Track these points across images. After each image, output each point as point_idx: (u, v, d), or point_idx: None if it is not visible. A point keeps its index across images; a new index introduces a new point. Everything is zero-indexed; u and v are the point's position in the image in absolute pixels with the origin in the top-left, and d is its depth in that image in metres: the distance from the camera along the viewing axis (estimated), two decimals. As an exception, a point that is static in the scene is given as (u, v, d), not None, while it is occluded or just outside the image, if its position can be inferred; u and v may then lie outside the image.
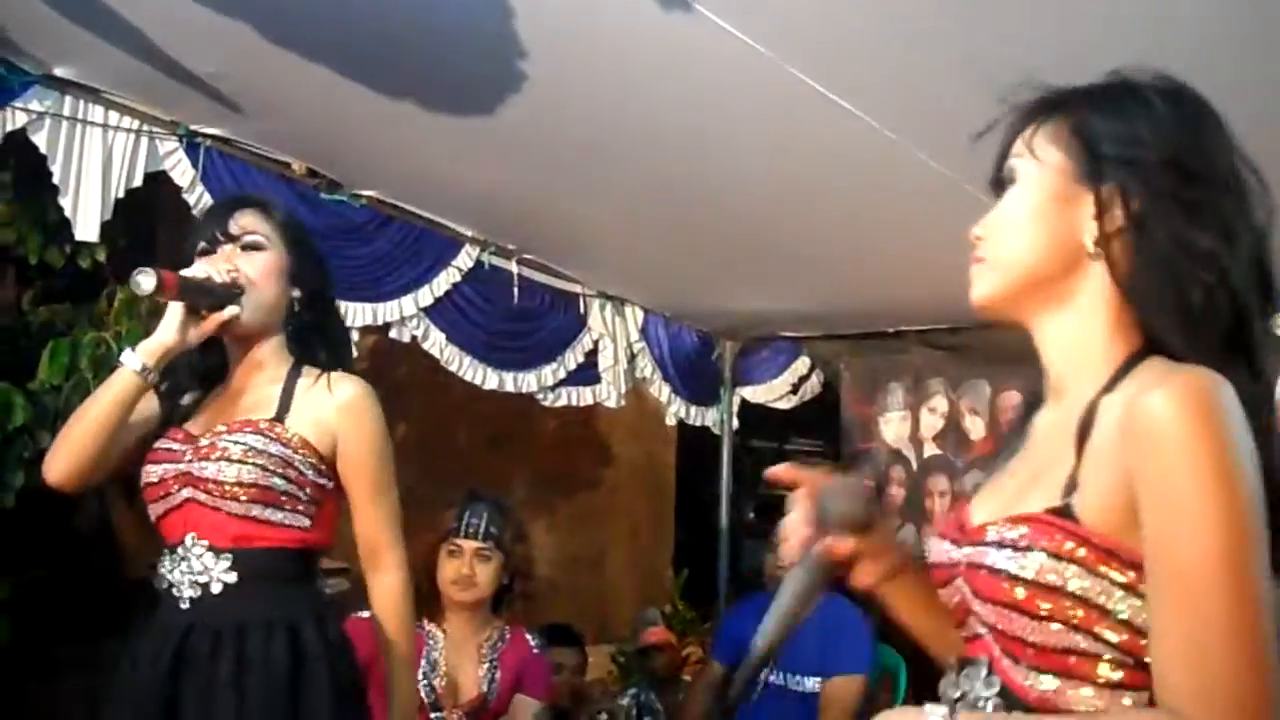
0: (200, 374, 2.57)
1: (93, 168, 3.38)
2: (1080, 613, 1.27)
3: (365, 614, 3.60)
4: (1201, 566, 1.19)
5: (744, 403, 6.40)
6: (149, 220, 4.62)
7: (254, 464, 2.35)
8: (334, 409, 2.46)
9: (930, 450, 5.88)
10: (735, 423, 6.39)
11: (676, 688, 5.48)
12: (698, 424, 6.19)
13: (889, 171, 3.52)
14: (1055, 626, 1.28)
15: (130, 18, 2.93)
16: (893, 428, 6.02)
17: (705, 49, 2.88)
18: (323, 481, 2.45)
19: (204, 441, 2.40)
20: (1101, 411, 1.32)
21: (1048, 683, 1.30)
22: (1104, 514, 1.27)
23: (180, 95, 3.37)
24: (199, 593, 2.35)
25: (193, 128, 3.59)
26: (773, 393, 6.34)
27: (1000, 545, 1.33)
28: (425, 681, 3.54)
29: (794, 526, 1.57)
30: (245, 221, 2.50)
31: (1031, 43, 2.48)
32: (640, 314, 5.59)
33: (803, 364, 6.31)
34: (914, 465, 5.93)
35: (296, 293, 2.53)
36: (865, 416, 6.12)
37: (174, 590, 2.38)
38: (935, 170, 3.43)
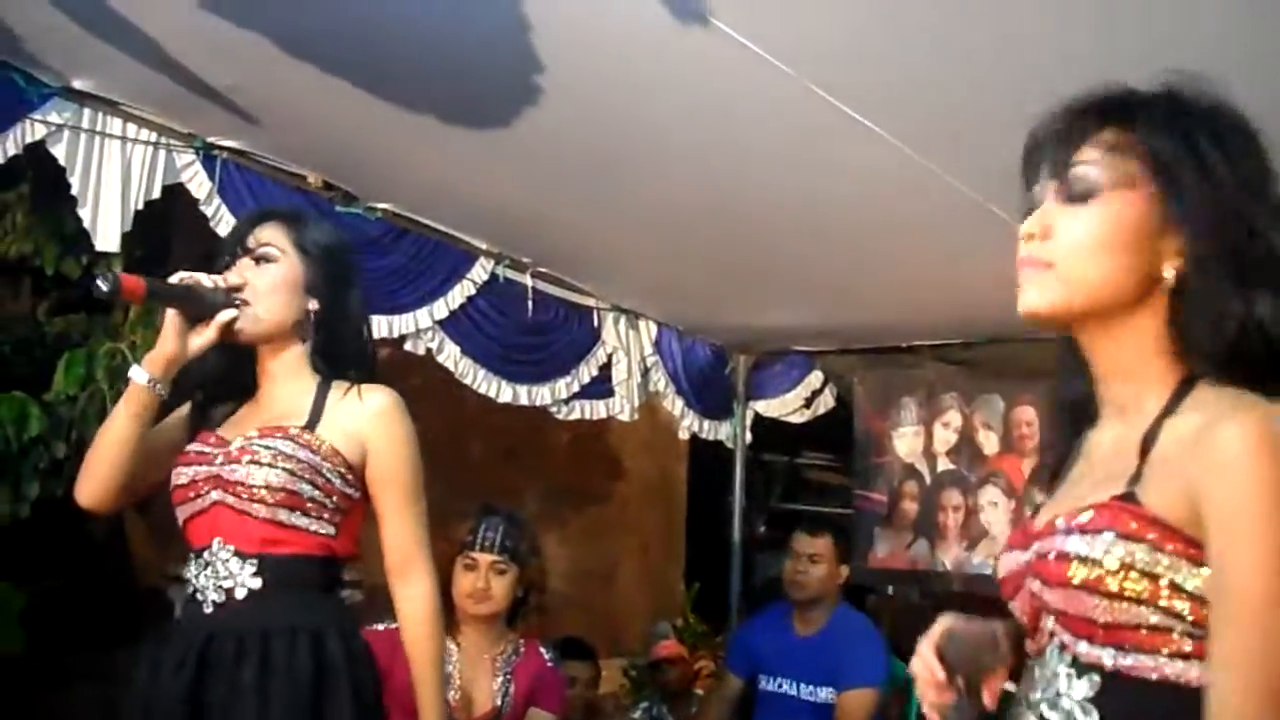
0: (225, 381, 2.58)
1: (112, 180, 3.39)
2: (1149, 587, 1.31)
3: (380, 626, 3.64)
4: (1265, 595, 1.24)
5: (757, 417, 6.38)
6: (165, 232, 4.64)
7: (282, 468, 2.37)
8: (365, 418, 2.49)
9: (944, 465, 5.88)
10: (748, 437, 6.38)
11: (689, 701, 5.49)
12: (711, 438, 6.17)
13: (905, 187, 3.52)
14: (1124, 605, 1.32)
15: (149, 30, 2.94)
16: (906, 442, 6.02)
17: (720, 63, 2.88)
18: (350, 491, 2.47)
19: (235, 445, 2.42)
20: (1164, 431, 1.37)
21: (1122, 657, 1.34)
22: (1171, 513, 1.31)
23: (198, 108, 3.38)
24: (223, 598, 2.37)
25: (210, 140, 3.60)
26: (786, 407, 6.33)
27: (1069, 532, 1.37)
28: (439, 695, 3.56)
29: (923, 678, 1.56)
30: (263, 235, 2.52)
31: (1066, 65, 2.47)
32: (654, 328, 5.58)
33: (816, 378, 6.30)
34: (927, 480, 5.92)
35: (314, 304, 2.53)
36: (878, 431, 6.12)
37: (199, 595, 2.40)
38: (953, 187, 3.43)
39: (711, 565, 6.91)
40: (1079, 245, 1.43)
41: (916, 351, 5.86)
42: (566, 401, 5.18)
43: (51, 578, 4.64)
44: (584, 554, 7.45)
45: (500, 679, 3.63)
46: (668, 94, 3.15)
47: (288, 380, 2.53)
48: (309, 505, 2.40)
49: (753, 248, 4.39)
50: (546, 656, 3.76)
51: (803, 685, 4.55)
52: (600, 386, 5.32)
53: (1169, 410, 1.39)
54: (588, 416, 5.37)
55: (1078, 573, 1.34)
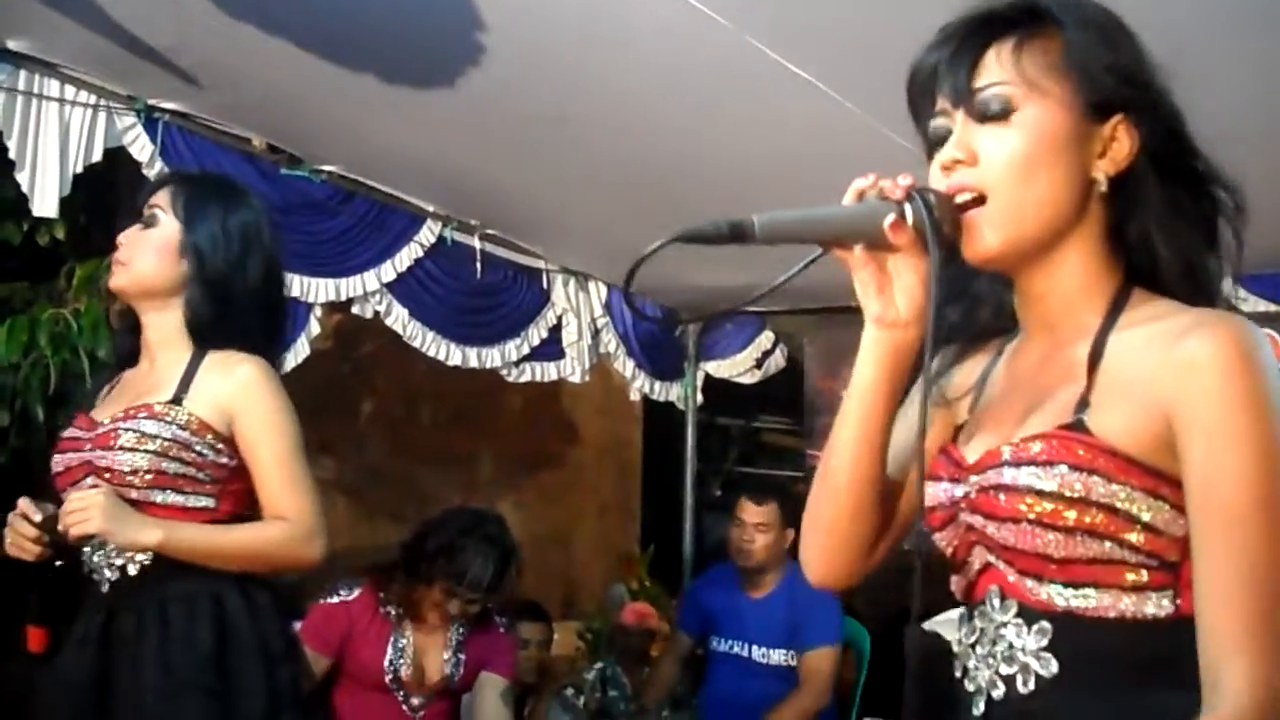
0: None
1: (50, 143, 3.33)
2: (1106, 519, 1.27)
3: (334, 599, 3.62)
4: (1259, 503, 1.23)
5: (708, 378, 6.40)
6: (109, 197, 4.57)
7: (145, 450, 2.34)
8: (231, 389, 2.43)
9: (894, 423, 5.88)
10: (699, 398, 6.39)
11: (644, 664, 5.50)
12: (662, 399, 6.18)
13: (851, 145, 3.49)
14: (1081, 537, 1.28)
15: (86, -10, 2.90)
16: (856, 401, 6.02)
17: (667, 22, 2.87)
18: (224, 460, 2.43)
19: (102, 429, 2.40)
20: (1109, 348, 1.34)
21: (1075, 596, 1.30)
22: (1129, 436, 1.28)
23: (138, 70, 3.34)
24: (117, 575, 2.36)
25: (151, 103, 3.55)
26: (736, 368, 6.34)
27: (1018, 464, 1.32)
28: (392, 666, 3.56)
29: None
30: (155, 198, 2.50)
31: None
32: (604, 289, 5.57)
33: (766, 339, 6.31)
34: (878, 438, 5.92)
35: (184, 266, 2.46)
36: (829, 391, 6.13)
37: (94, 575, 2.39)
38: (899, 145, 3.41)
39: (667, 528, 6.91)
40: (1012, 164, 1.34)
41: (866, 310, 5.84)
42: (517, 364, 5.17)
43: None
44: (539, 518, 7.44)
45: (452, 648, 3.65)
46: (613, 52, 3.13)
47: (163, 351, 2.49)
48: (180, 481, 2.37)
49: (700, 207, 4.32)
50: (499, 622, 3.76)
51: (755, 647, 4.58)
52: (551, 348, 5.32)
53: (1110, 323, 1.36)
54: (539, 379, 5.36)
55: (1031, 507, 1.29)
